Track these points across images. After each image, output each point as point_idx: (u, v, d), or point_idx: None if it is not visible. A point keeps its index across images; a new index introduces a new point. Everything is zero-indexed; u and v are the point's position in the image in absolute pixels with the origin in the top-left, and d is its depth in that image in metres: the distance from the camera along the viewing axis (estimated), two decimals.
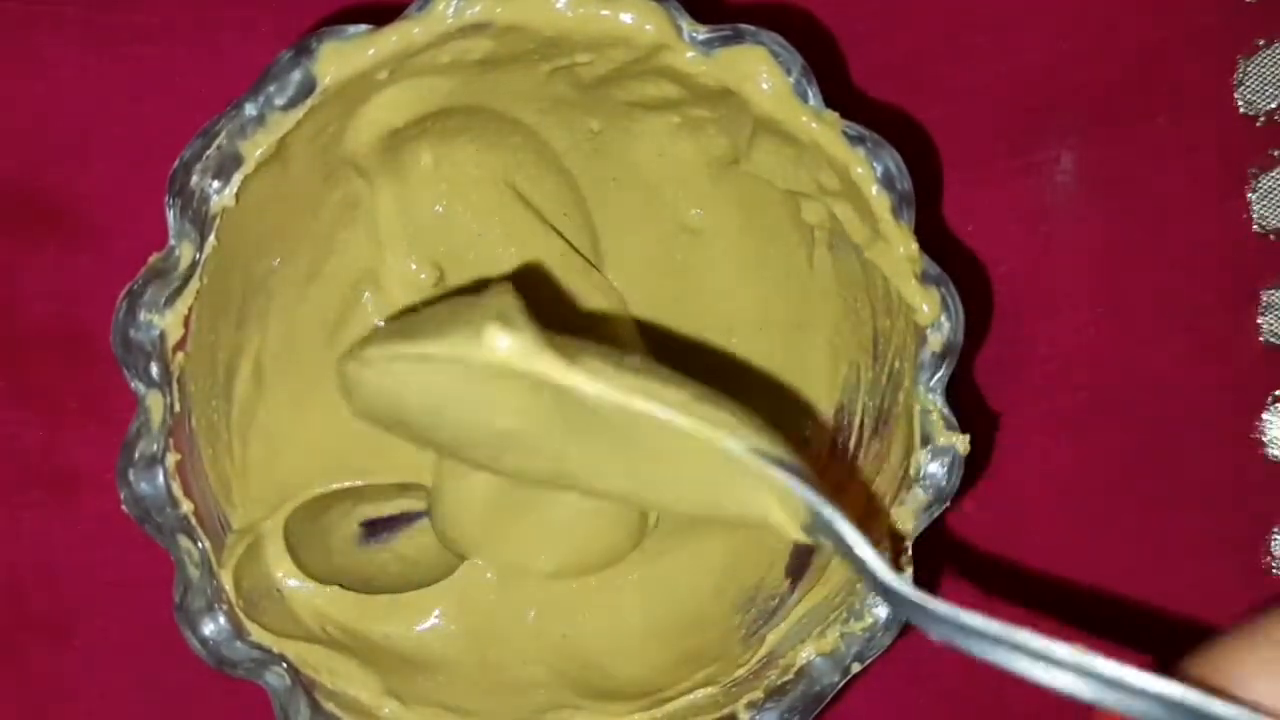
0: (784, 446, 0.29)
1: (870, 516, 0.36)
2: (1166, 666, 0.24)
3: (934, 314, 0.34)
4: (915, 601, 0.25)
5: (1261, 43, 0.44)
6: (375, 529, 0.41)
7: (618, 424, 0.28)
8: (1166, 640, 0.43)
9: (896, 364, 0.36)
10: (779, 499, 0.29)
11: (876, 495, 0.36)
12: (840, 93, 0.41)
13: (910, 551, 0.35)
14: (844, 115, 0.34)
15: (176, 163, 0.33)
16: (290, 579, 0.38)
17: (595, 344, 0.30)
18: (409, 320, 0.34)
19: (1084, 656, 0.23)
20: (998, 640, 0.24)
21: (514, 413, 0.29)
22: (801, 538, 0.29)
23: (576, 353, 0.28)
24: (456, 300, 0.37)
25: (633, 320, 0.42)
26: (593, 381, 0.28)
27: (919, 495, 0.35)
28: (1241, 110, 0.44)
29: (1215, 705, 0.22)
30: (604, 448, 0.30)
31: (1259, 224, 0.44)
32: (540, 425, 0.30)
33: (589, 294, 0.42)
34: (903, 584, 0.26)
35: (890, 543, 0.35)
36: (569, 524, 0.41)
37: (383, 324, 0.40)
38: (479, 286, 0.38)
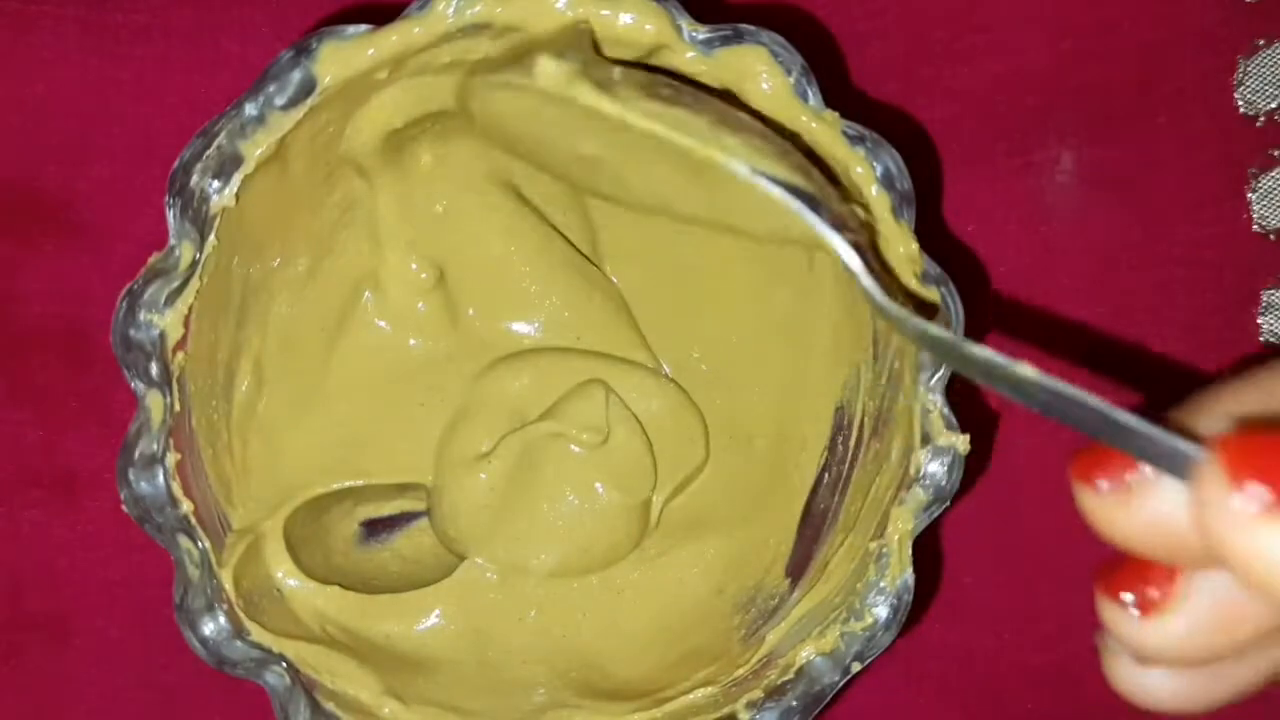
0: (796, 171, 0.31)
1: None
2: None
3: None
4: (901, 317, 0.28)
5: (1261, 43, 0.44)
6: (375, 529, 0.41)
7: (666, 150, 0.31)
8: None
9: (896, 364, 0.36)
10: (776, 203, 0.31)
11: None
12: (840, 93, 0.41)
13: (910, 551, 0.35)
14: (844, 115, 0.34)
15: (176, 163, 0.33)
16: (290, 579, 0.38)
17: (644, 76, 0.33)
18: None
19: (1044, 377, 0.24)
20: (965, 357, 0.25)
21: (591, 137, 0.32)
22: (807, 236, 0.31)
23: (611, 83, 0.32)
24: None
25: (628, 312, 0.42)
26: (615, 105, 0.31)
27: (919, 494, 0.35)
28: (1241, 110, 0.44)
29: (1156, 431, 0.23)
30: (671, 172, 0.32)
31: (1259, 224, 0.44)
32: (616, 151, 0.33)
33: (588, 292, 0.42)
34: (890, 302, 0.29)
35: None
36: (569, 523, 0.41)
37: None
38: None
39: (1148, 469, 0.23)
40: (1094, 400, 0.23)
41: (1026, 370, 0.24)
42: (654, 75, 0.34)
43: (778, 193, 0.30)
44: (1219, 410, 0.24)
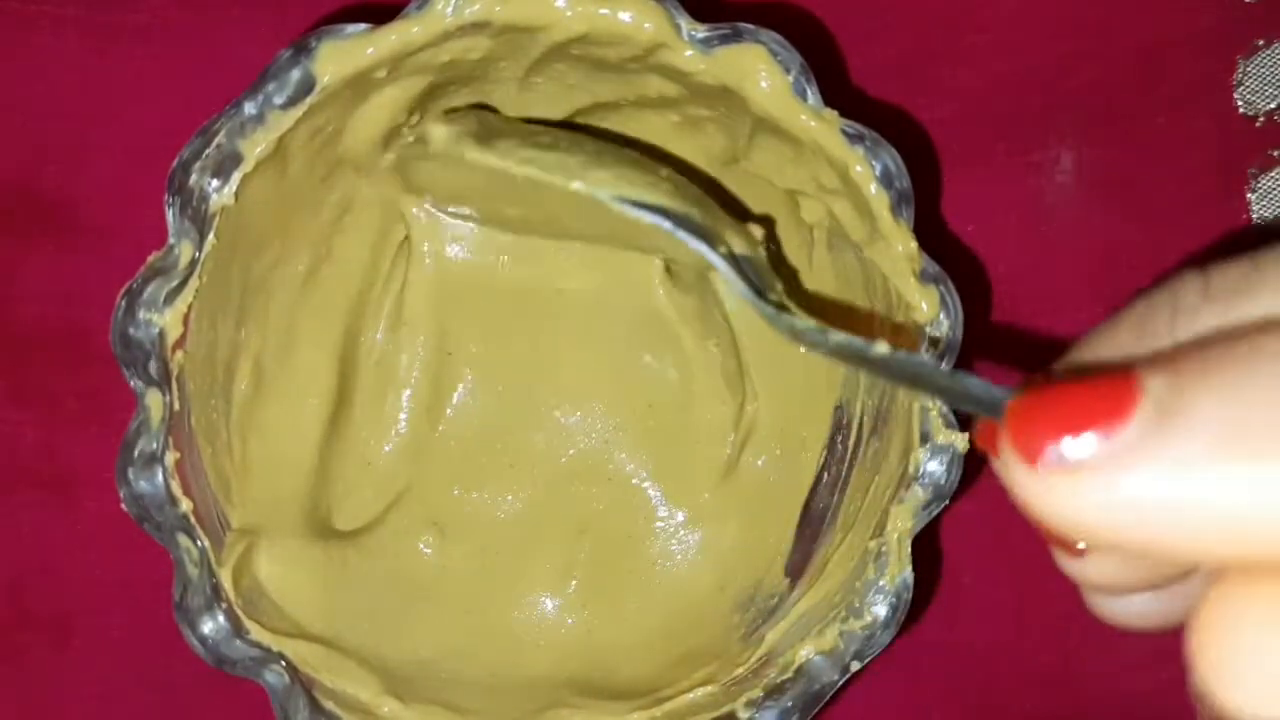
0: (665, 195, 0.33)
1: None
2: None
3: (932, 312, 0.34)
4: (757, 304, 0.30)
5: (1261, 43, 0.44)
6: None
7: (550, 190, 0.34)
8: (1165, 639, 0.43)
9: None
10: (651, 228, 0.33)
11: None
12: (840, 92, 0.41)
13: (909, 549, 0.35)
14: (843, 114, 0.34)
15: (175, 162, 0.33)
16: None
17: (526, 128, 0.37)
18: None
19: (887, 350, 0.24)
20: (817, 340, 0.26)
21: (498, 190, 0.36)
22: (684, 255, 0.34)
23: (493, 138, 0.35)
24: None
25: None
26: (495, 158, 0.34)
27: (918, 493, 0.35)
28: (1241, 110, 0.44)
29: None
30: (569, 208, 0.35)
31: (1259, 224, 0.44)
32: (520, 197, 0.36)
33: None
34: (750, 293, 0.31)
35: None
36: None
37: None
38: None
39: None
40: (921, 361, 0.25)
41: (881, 349, 0.24)
42: (538, 126, 0.37)
43: (638, 214, 0.33)
44: (1096, 354, 0.22)
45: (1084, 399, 0.19)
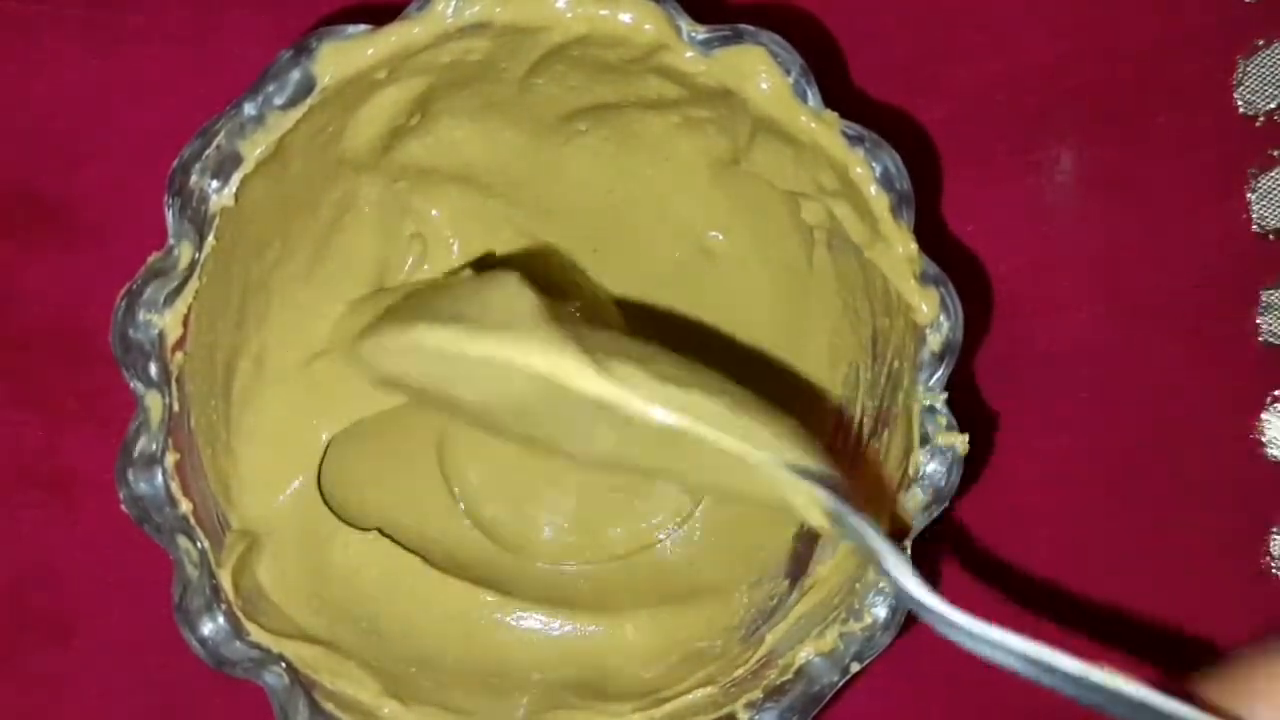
0: (813, 454, 0.31)
1: (878, 506, 0.36)
2: (1173, 677, 0.25)
3: (933, 314, 0.34)
4: (934, 609, 0.27)
5: (1261, 43, 0.44)
6: None
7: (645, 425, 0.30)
8: (1165, 640, 0.43)
9: (896, 363, 0.36)
10: (806, 498, 0.30)
11: (885, 484, 0.36)
12: (840, 93, 0.41)
13: (910, 550, 0.35)
14: (844, 115, 0.34)
15: (175, 162, 0.33)
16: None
17: (623, 342, 0.32)
18: (424, 305, 0.34)
19: (1080, 666, 0.24)
20: (1002, 647, 0.26)
21: (532, 395, 0.31)
22: (826, 527, 0.30)
23: (606, 360, 0.30)
24: (470, 287, 0.36)
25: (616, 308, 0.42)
26: (624, 393, 0.30)
27: (918, 495, 0.35)
28: (1241, 110, 0.44)
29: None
30: (627, 435, 0.30)
31: (1258, 224, 0.44)
32: (563, 409, 0.31)
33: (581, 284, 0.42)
34: (924, 590, 0.28)
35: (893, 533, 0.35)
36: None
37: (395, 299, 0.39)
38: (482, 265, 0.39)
39: None
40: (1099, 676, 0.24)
41: (1103, 677, 0.24)
42: (649, 346, 0.32)
43: (806, 484, 0.30)
44: (1248, 689, 0.25)
45: None
